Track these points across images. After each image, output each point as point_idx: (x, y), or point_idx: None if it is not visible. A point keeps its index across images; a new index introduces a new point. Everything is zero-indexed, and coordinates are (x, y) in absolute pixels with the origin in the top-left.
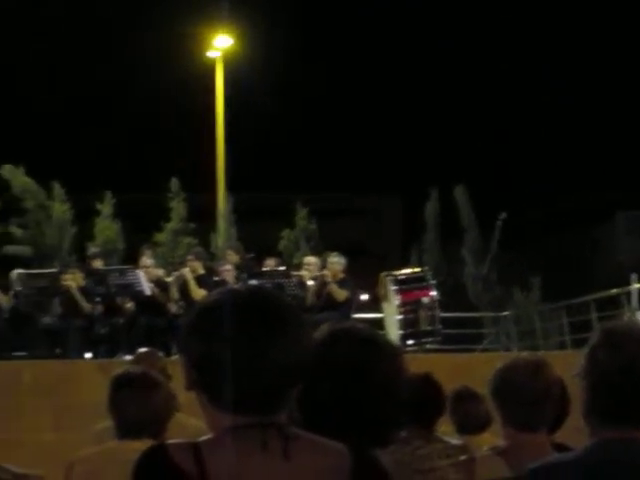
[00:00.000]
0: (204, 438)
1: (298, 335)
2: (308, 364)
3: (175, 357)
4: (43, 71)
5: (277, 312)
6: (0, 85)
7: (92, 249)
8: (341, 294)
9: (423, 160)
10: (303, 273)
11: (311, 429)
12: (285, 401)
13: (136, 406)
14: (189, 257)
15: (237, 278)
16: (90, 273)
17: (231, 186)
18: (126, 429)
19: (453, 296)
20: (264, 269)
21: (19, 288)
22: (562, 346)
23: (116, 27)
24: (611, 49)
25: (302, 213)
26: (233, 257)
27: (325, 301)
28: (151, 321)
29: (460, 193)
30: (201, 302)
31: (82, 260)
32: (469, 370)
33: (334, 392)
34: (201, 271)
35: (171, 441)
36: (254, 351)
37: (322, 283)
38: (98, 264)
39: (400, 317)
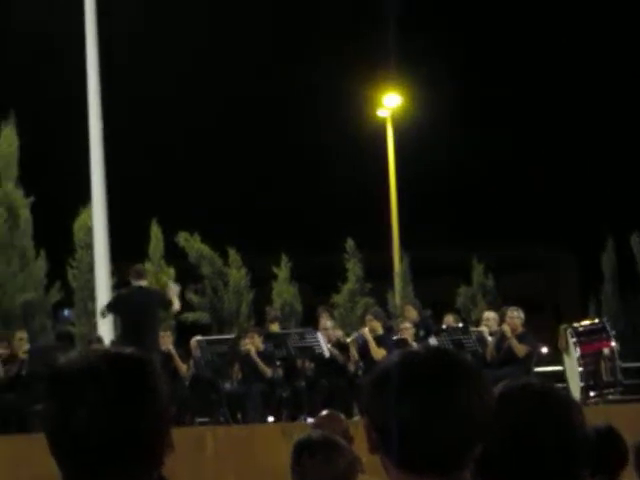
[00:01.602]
0: None
1: (479, 394)
2: (489, 422)
3: (357, 418)
4: (216, 140)
5: (458, 373)
6: (175, 156)
7: (270, 312)
8: (521, 349)
9: (596, 210)
10: (482, 329)
11: None
12: (468, 459)
13: (318, 471)
14: (368, 317)
15: (416, 336)
16: (269, 337)
17: (406, 244)
18: None
19: (633, 345)
20: (443, 326)
21: (199, 355)
22: None
23: (287, 89)
24: None
25: (478, 269)
26: (412, 313)
27: (505, 356)
28: (332, 382)
29: (636, 241)
30: (382, 364)
31: (260, 324)
32: None
33: (510, 449)
34: (380, 331)
35: None
36: (437, 412)
37: (502, 338)
38: (277, 327)
39: (581, 369)
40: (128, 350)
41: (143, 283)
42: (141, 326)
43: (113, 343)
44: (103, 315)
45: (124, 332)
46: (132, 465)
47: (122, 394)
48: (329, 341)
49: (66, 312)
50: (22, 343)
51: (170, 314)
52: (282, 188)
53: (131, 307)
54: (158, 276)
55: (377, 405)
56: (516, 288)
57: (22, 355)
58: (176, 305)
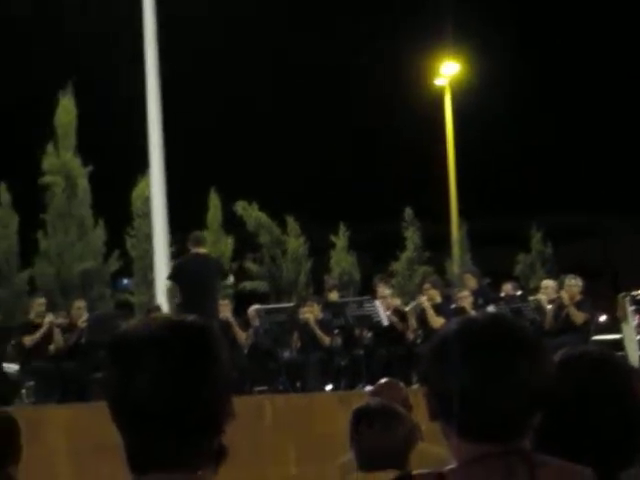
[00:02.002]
0: (449, 467)
1: (538, 361)
2: (549, 390)
3: (416, 386)
4: (275, 108)
5: (517, 340)
6: (233, 124)
7: (329, 281)
8: (579, 316)
9: None
10: (540, 297)
11: (551, 454)
12: (528, 427)
13: (377, 439)
14: (426, 285)
15: (475, 304)
16: (327, 305)
17: (464, 212)
18: (368, 461)
19: None
20: (501, 294)
21: (258, 324)
22: None
23: (347, 58)
24: None
25: (537, 237)
26: (471, 281)
27: (563, 324)
28: (390, 351)
29: None
30: (441, 331)
31: (319, 293)
32: None
33: (570, 417)
34: (438, 299)
35: (417, 471)
36: (496, 379)
37: (560, 306)
38: (335, 296)
39: (639, 337)
40: (190, 317)
41: (202, 250)
42: (200, 293)
43: (172, 311)
44: (172, 293)
45: (183, 300)
46: (194, 433)
47: (184, 361)
48: (387, 310)
49: (125, 281)
50: (80, 312)
51: (226, 284)
52: (340, 157)
53: (190, 275)
54: (217, 245)
55: (436, 372)
56: (574, 256)
57: (81, 324)
58: (230, 278)
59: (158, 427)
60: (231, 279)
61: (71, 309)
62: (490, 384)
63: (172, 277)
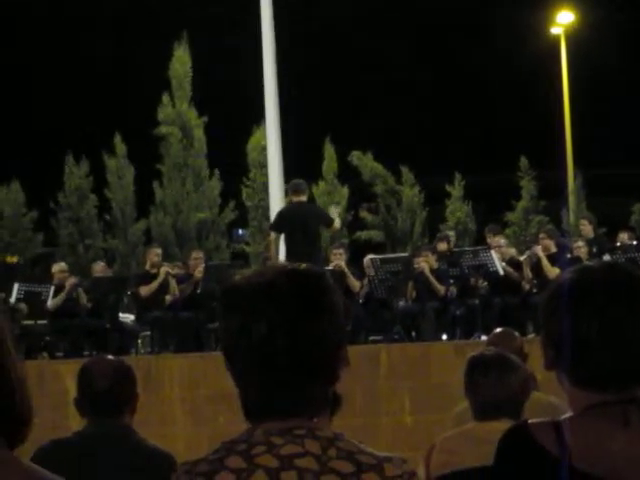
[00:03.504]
0: (565, 416)
1: None
2: None
3: (531, 336)
4: (387, 57)
5: (633, 286)
6: (349, 74)
7: (444, 231)
8: None
9: None
10: None
11: None
12: None
13: (492, 388)
14: (541, 235)
15: (590, 254)
16: (443, 255)
17: (580, 162)
18: (483, 410)
19: None
20: (617, 244)
21: (373, 273)
22: None
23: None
24: None
25: None
26: (587, 227)
27: None
28: (506, 300)
29: None
30: (556, 280)
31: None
32: None
33: None
34: (553, 249)
35: (532, 420)
36: (613, 327)
37: None
38: (449, 246)
39: None
40: (304, 265)
41: (303, 198)
42: (304, 242)
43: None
44: (276, 244)
45: (287, 249)
46: (309, 380)
47: (300, 309)
48: (502, 259)
49: (240, 231)
50: (198, 262)
51: (331, 232)
52: (456, 106)
53: (293, 224)
54: (332, 195)
55: (553, 321)
56: None
57: (198, 275)
58: (337, 223)
59: (273, 375)
60: (337, 224)
61: (189, 259)
62: (607, 332)
63: (274, 227)
